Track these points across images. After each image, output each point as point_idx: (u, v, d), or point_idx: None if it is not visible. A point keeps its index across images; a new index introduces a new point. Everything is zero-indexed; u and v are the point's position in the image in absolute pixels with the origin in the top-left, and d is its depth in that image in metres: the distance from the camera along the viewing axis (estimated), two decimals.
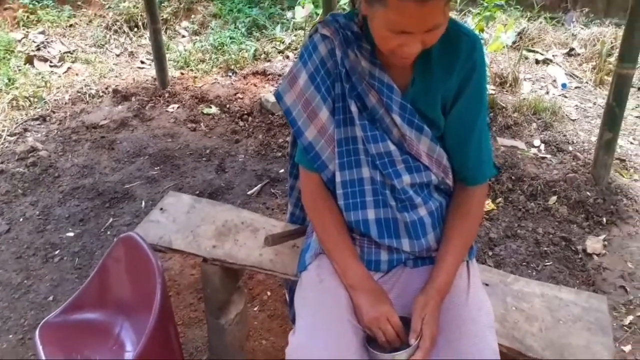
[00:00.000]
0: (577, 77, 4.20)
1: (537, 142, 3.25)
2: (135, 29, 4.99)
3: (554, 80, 4.10)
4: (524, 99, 3.70)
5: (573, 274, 2.31)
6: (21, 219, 2.65)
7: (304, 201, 1.36)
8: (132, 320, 1.56)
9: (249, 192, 2.86)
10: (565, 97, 3.90)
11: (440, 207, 1.27)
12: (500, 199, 2.74)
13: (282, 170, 3.03)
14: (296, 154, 1.35)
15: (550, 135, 3.31)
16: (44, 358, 1.36)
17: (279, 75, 4.13)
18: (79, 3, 5.28)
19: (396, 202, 1.24)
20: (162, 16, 4.95)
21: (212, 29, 4.95)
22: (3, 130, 3.40)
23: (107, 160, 3.15)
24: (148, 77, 4.18)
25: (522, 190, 2.78)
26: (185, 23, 5.16)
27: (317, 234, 1.33)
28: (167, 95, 3.88)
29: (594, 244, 2.45)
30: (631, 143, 3.33)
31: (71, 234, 2.55)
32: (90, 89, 3.95)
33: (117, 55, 4.65)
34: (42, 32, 4.75)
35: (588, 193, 2.73)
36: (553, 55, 4.47)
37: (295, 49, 4.61)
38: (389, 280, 1.28)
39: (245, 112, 3.65)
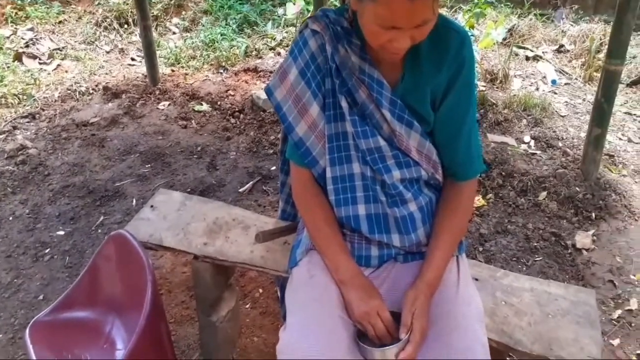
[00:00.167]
0: (567, 73, 4.23)
1: (527, 138, 3.27)
2: (126, 26, 4.95)
3: (544, 77, 4.12)
4: (514, 95, 3.72)
5: (563, 268, 2.33)
6: (11, 218, 2.63)
7: (295, 197, 1.36)
8: (123, 318, 1.56)
9: (240, 190, 2.86)
10: (555, 93, 3.93)
11: (430, 202, 1.28)
12: (490, 194, 2.76)
13: (273, 168, 3.02)
14: (287, 150, 1.35)
15: (540, 131, 3.34)
16: (34, 357, 1.35)
17: (271, 72, 4.13)
18: None
19: (386, 197, 1.24)
20: (153, 13, 4.92)
21: (203, 26, 4.93)
22: None
23: (98, 158, 3.13)
24: (138, 74, 4.15)
25: (513, 186, 2.80)
26: (175, 20, 5.14)
27: (308, 229, 1.33)
28: (157, 92, 3.86)
29: (583, 239, 2.47)
30: (620, 139, 3.36)
31: (61, 233, 2.53)
32: (80, 86, 3.92)
33: (107, 52, 4.61)
34: (31, 29, 4.70)
35: (577, 188, 2.76)
36: (543, 52, 4.49)
37: (287, 46, 4.61)
38: (380, 275, 1.28)
39: (237, 109, 3.64)
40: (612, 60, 2.60)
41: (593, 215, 2.62)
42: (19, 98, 3.72)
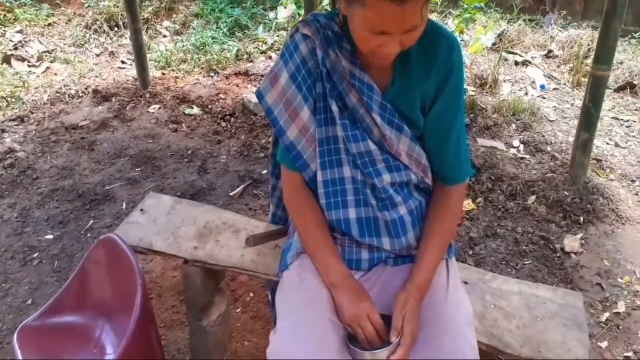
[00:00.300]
0: (555, 78, 4.27)
1: (516, 143, 3.30)
2: (116, 29, 4.93)
3: (533, 82, 4.16)
4: (504, 100, 3.75)
5: (551, 272, 2.35)
6: None
7: (286, 200, 1.37)
8: (113, 322, 1.54)
9: (231, 193, 2.85)
10: (544, 98, 3.97)
11: (419, 206, 1.29)
12: (480, 198, 2.78)
13: (264, 171, 3.02)
14: (278, 153, 1.35)
15: (529, 135, 3.37)
16: None
17: (261, 76, 4.13)
18: (58, 1, 5.21)
19: (377, 201, 1.25)
20: (143, 15, 4.90)
21: (194, 29, 4.92)
22: None
23: (87, 161, 3.11)
24: (129, 77, 4.13)
25: (502, 190, 2.83)
26: (166, 23, 5.12)
27: (298, 233, 1.33)
28: (148, 95, 3.84)
29: (571, 242, 2.49)
30: (607, 143, 3.40)
31: (50, 237, 2.51)
32: (70, 89, 3.89)
33: (97, 55, 4.59)
34: (20, 31, 4.66)
35: (566, 192, 2.78)
36: (532, 57, 4.54)
37: (278, 50, 4.61)
38: (370, 278, 1.29)
39: (228, 113, 3.63)
40: (599, 65, 2.63)
41: (581, 219, 2.65)
42: (7, 101, 3.69)
